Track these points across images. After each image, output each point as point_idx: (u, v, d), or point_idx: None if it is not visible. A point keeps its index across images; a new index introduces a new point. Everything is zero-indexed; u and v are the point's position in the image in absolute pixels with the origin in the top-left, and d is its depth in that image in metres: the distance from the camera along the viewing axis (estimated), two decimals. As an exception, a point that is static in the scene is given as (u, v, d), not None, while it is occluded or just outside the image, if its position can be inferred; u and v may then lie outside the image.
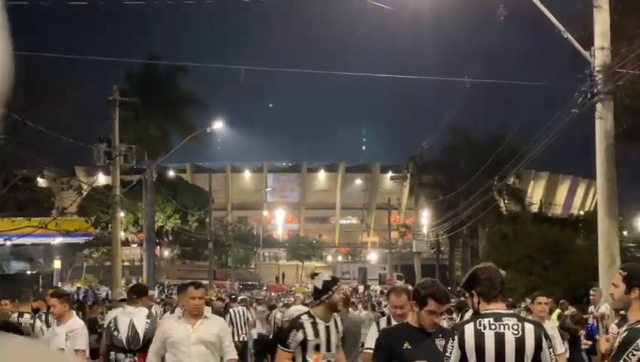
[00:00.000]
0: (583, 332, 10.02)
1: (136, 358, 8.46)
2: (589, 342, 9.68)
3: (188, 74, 42.04)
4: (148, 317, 8.95)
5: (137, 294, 9.20)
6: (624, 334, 4.92)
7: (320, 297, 6.37)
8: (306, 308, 20.56)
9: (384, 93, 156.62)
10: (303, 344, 6.21)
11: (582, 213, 66.28)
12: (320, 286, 6.39)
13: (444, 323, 6.48)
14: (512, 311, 4.96)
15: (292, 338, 6.22)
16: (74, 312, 9.25)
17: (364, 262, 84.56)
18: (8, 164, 27.58)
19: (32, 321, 10.34)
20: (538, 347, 4.49)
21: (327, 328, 6.37)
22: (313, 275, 6.80)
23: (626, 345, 4.77)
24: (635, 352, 4.72)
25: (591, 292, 15.32)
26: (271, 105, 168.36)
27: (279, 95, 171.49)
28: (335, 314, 6.59)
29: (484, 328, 4.50)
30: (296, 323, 6.32)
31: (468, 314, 6.36)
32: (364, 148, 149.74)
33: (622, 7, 17.42)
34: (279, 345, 6.32)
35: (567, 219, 50.23)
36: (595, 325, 13.80)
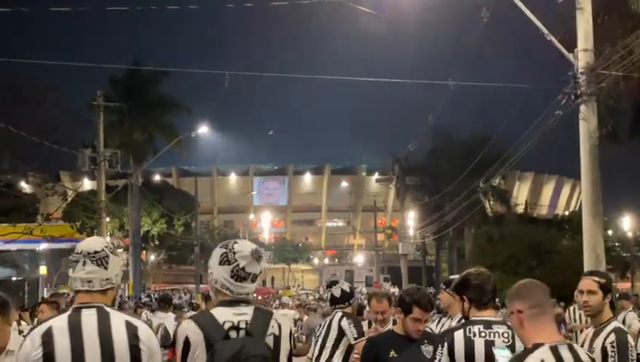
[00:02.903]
0: None
1: (166, 351, 8.75)
2: None
3: (171, 78, 41.97)
4: (175, 319, 12.02)
5: (165, 302, 13.12)
6: (611, 336, 4.91)
7: (349, 300, 7.27)
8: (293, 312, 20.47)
9: (369, 95, 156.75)
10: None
11: (567, 213, 66.67)
12: (348, 290, 7.32)
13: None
14: (501, 319, 4.96)
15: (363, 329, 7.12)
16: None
17: (350, 265, 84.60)
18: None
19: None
20: None
21: None
22: (331, 284, 7.63)
23: (624, 347, 4.81)
24: (633, 350, 4.79)
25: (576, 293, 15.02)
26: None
27: (265, 98, 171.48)
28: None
29: (474, 335, 4.48)
30: (358, 319, 7.36)
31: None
32: (349, 150, 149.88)
33: (604, 8, 17.53)
34: (360, 339, 6.82)
35: (552, 220, 50.53)
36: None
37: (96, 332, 3.49)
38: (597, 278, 5.15)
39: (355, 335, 6.80)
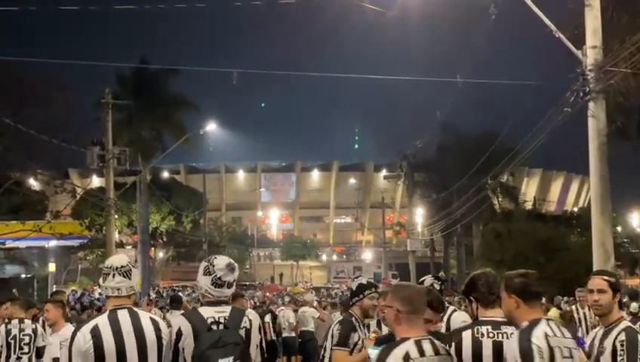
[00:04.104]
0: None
1: None
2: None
3: (179, 75, 41.93)
4: None
5: (177, 302, 15.00)
6: (621, 335, 4.91)
7: (352, 299, 6.54)
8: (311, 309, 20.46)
9: (377, 92, 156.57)
10: (354, 345, 6.30)
11: (576, 209, 66.46)
12: (354, 288, 6.56)
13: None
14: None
15: (352, 339, 6.18)
16: (68, 324, 9.10)
17: (358, 261, 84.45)
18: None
19: (33, 327, 10.15)
20: None
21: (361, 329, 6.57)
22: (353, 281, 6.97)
23: (634, 347, 4.83)
24: None
25: (578, 292, 14.43)
26: (263, 105, 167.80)
27: (272, 95, 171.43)
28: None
29: (482, 336, 4.46)
30: (352, 325, 6.29)
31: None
32: (356, 146, 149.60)
33: (613, 5, 17.44)
34: (337, 347, 6.13)
35: (560, 216, 50.37)
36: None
37: (131, 327, 4.72)
38: (607, 277, 5.17)
39: (335, 342, 6.15)
